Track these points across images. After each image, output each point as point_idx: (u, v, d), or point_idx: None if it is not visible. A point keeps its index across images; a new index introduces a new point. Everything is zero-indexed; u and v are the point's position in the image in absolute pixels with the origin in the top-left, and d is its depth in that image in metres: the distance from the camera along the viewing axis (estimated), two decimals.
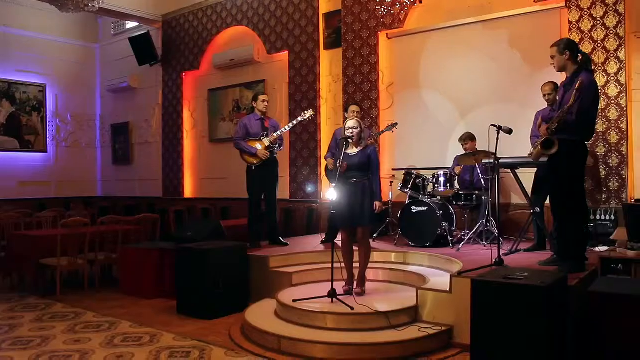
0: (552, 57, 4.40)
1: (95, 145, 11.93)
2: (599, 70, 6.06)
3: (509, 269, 3.98)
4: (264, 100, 6.25)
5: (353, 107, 6.50)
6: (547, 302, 3.33)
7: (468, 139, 6.51)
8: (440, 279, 4.83)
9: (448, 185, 6.06)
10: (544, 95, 5.61)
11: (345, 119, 6.67)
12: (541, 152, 4.31)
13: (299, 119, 6.36)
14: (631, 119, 5.97)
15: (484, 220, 5.84)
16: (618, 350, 3.46)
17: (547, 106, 5.67)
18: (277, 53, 8.90)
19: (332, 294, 4.59)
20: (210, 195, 9.76)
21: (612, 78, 5.99)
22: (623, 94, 5.95)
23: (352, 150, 4.85)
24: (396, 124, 6.51)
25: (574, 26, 6.22)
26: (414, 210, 6.05)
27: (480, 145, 6.55)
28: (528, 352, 3.32)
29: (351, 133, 4.82)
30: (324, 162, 8.42)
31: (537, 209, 5.31)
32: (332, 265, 4.66)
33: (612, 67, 5.99)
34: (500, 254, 4.59)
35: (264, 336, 4.34)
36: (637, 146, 5.97)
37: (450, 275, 4.36)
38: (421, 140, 7.49)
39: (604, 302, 3.54)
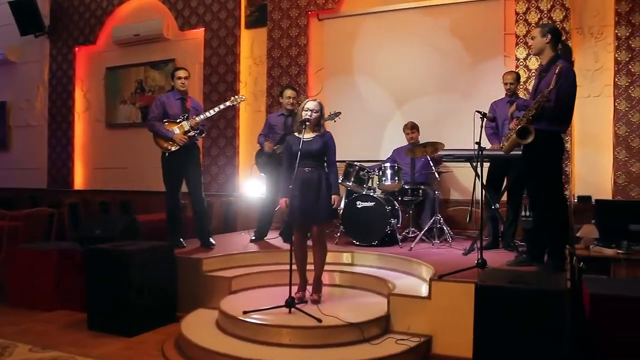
0: (533, 38, 4.15)
1: None
2: None
3: (499, 270, 3.59)
4: (180, 77, 5.32)
5: (288, 92, 5.87)
6: (563, 308, 2.99)
7: (414, 128, 6.14)
8: (404, 282, 4.36)
9: (396, 178, 5.60)
10: (506, 84, 5.33)
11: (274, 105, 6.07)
12: (516, 141, 3.97)
13: (227, 103, 5.49)
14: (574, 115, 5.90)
15: (437, 217, 5.47)
16: (624, 354, 3.19)
17: (504, 96, 5.41)
18: (190, 30, 7.97)
19: (290, 303, 3.92)
20: (106, 187, 8.56)
21: None
22: None
23: (308, 136, 4.20)
24: (339, 113, 5.91)
25: (521, 17, 6.06)
26: (359, 206, 5.52)
27: (425, 137, 6.23)
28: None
29: (309, 115, 4.18)
30: (242, 152, 7.71)
31: (497, 205, 5.00)
32: (290, 268, 3.99)
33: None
34: (467, 252, 4.14)
35: (213, 357, 3.58)
36: (579, 142, 5.93)
37: (430, 279, 3.87)
38: (352, 130, 6.96)
39: (608, 305, 3.26)
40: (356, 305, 4.20)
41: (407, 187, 5.72)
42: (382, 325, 3.88)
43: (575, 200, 5.77)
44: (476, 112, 4.27)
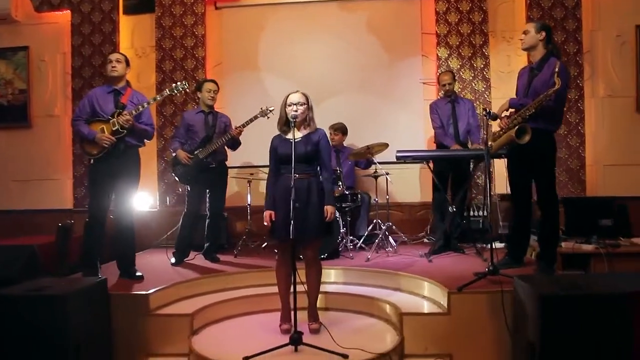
0: (525, 33, 3.97)
1: None
2: (466, 65, 5.99)
3: (531, 277, 3.37)
4: (110, 61, 4.26)
5: (210, 85, 5.10)
6: (631, 310, 2.88)
7: (340, 130, 5.75)
8: (397, 299, 3.92)
9: (339, 183, 5.15)
10: (444, 85, 5.22)
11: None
12: (510, 140, 3.83)
13: (166, 92, 4.48)
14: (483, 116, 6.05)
15: (388, 223, 5.14)
16: None
17: (442, 97, 5.30)
18: (51, 11, 6.57)
19: (296, 339, 3.24)
20: None
21: (479, 74, 5.99)
22: (487, 91, 5.99)
23: (296, 135, 3.56)
24: (272, 108, 5.12)
25: (442, 17, 6.03)
26: None
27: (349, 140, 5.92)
28: None
29: (295, 111, 3.54)
30: None
31: (454, 208, 4.82)
32: (295, 293, 3.32)
33: (479, 63, 5.99)
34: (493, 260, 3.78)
35: None
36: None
37: (449, 292, 3.51)
38: (259, 132, 6.24)
39: None
40: (356, 331, 3.67)
41: (347, 192, 5.30)
42: (398, 351, 3.42)
43: (499, 199, 5.89)
44: (483, 110, 4.02)
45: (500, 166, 5.99)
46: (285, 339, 3.32)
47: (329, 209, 3.55)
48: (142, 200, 6.22)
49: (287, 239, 3.38)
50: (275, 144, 3.64)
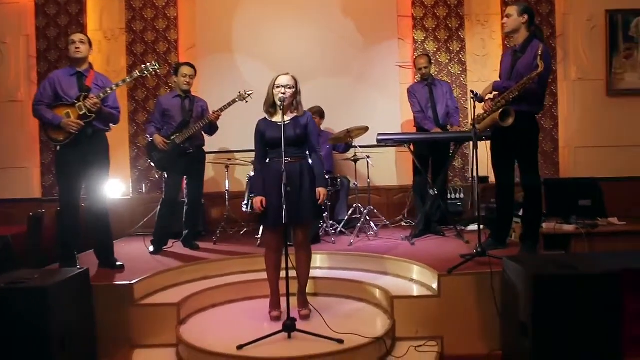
0: (507, 17, 3.96)
1: None
2: (442, 48, 6.00)
3: (518, 258, 3.41)
4: (73, 42, 4.05)
5: (186, 69, 4.94)
6: (620, 288, 2.94)
7: (318, 114, 5.68)
8: (385, 282, 3.93)
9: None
10: (420, 69, 5.23)
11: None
12: (494, 122, 3.86)
13: (136, 73, 4.31)
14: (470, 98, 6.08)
15: (370, 207, 5.14)
16: None
17: (419, 81, 5.32)
18: None
19: (290, 326, 3.21)
20: None
21: (455, 57, 6.00)
22: (464, 74, 6.02)
23: (284, 118, 3.47)
24: (251, 92, 5.03)
25: (418, 0, 6.00)
26: None
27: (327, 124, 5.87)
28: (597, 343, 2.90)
29: (284, 94, 3.46)
30: None
31: (435, 191, 4.83)
32: (287, 279, 3.27)
33: (455, 46, 6.00)
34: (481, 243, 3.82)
35: None
36: None
37: (439, 275, 3.52)
38: (235, 117, 6.12)
39: None
40: (346, 315, 3.65)
41: (327, 176, 5.26)
42: (390, 334, 3.42)
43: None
44: (470, 91, 4.00)
45: (479, 149, 6.10)
46: (275, 325, 3.32)
47: (321, 191, 3.52)
48: (114, 187, 6.05)
49: (280, 224, 3.32)
50: (261, 128, 3.56)
